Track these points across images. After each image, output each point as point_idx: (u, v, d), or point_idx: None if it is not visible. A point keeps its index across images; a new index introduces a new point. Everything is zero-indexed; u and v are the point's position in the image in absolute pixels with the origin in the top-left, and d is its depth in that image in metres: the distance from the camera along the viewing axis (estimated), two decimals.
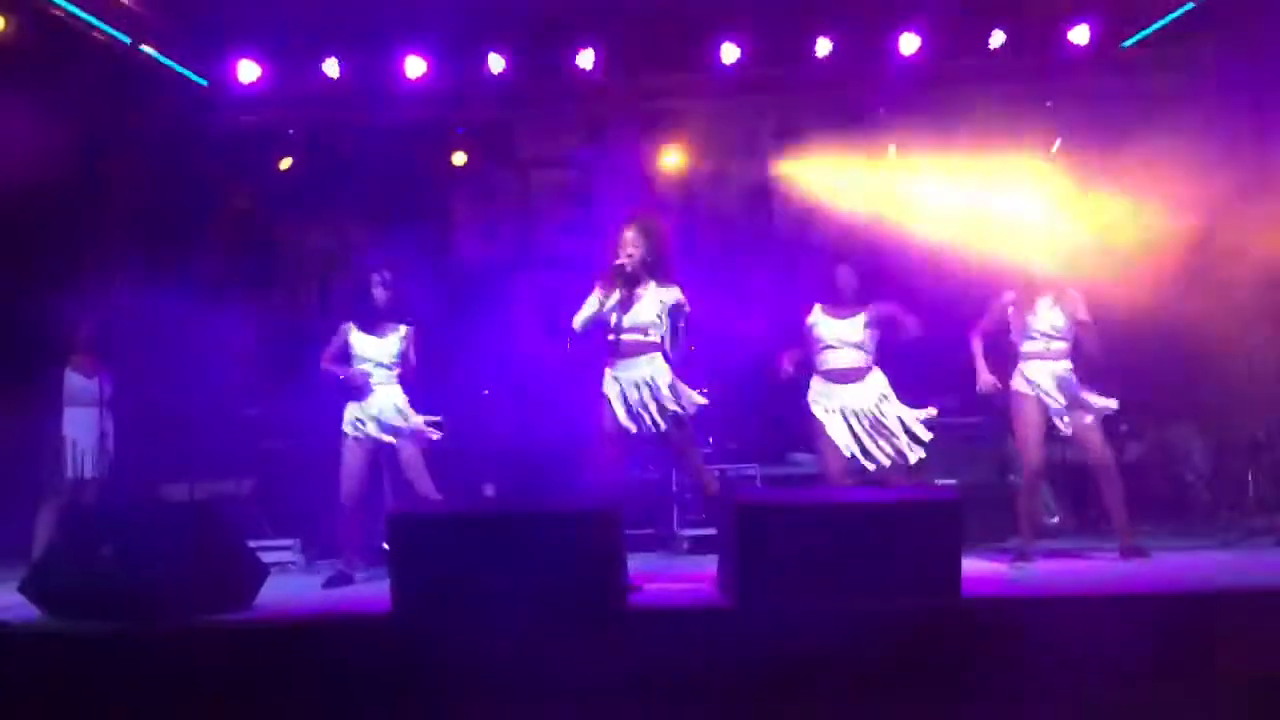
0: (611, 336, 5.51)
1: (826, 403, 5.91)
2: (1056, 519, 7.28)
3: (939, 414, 7.01)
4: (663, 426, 5.45)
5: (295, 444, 8.45)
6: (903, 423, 5.82)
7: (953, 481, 6.89)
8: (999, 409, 7.33)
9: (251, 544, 5.99)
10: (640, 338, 5.51)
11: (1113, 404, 5.93)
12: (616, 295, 5.47)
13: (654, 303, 5.52)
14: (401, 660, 4.30)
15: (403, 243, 9.20)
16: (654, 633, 4.39)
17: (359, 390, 6.22)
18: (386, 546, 4.93)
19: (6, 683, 4.13)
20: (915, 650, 4.14)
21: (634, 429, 5.45)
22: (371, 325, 6.33)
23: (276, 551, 6.89)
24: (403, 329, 6.37)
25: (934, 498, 4.78)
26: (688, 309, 5.58)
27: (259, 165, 9.05)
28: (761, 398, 7.71)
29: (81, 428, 6.87)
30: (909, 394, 6.92)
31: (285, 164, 8.98)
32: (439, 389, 6.81)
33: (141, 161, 8.75)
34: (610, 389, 5.50)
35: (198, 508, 5.53)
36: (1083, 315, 5.98)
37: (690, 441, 5.64)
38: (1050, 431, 6.01)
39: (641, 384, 5.45)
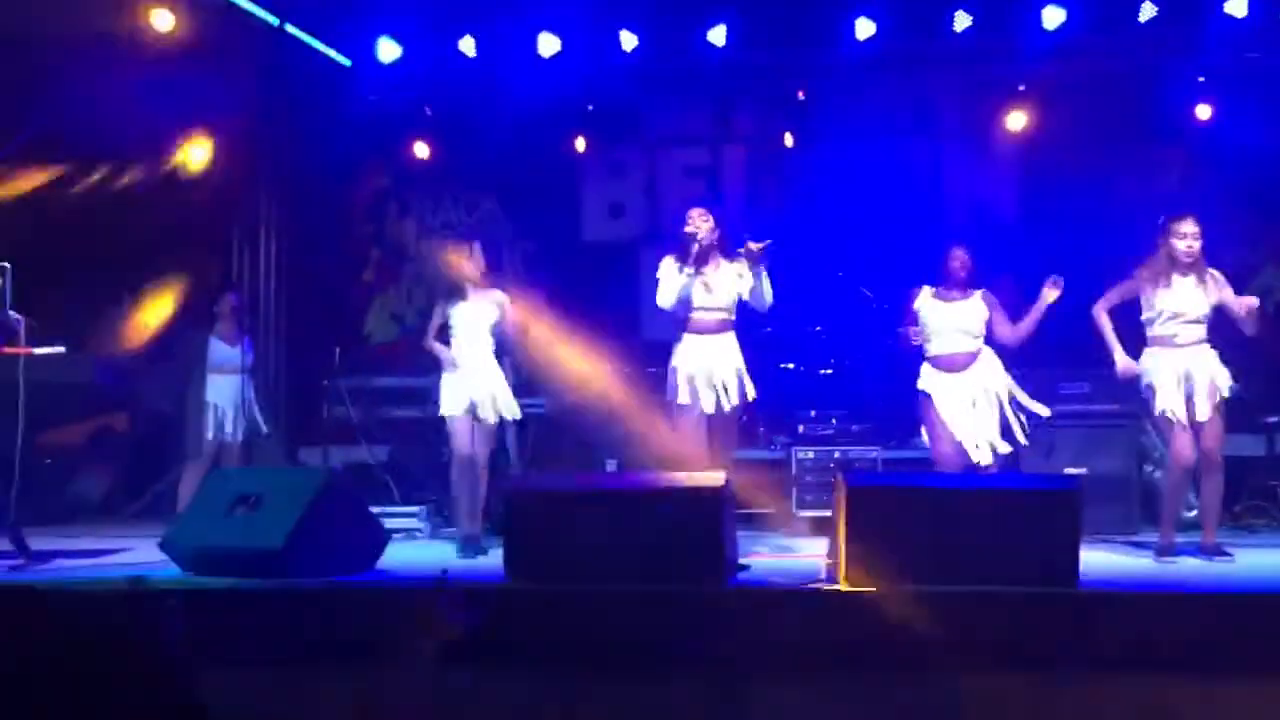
0: (689, 313, 5.60)
1: (937, 388, 5.80)
2: (1194, 512, 6.98)
3: (1069, 401, 6.86)
4: (727, 407, 5.50)
5: (425, 414, 8.70)
6: (1006, 411, 5.68)
7: (1082, 470, 6.68)
8: (1138, 396, 7.10)
9: (380, 511, 6.20)
10: (719, 315, 5.60)
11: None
12: (691, 269, 5.55)
13: (730, 278, 5.58)
14: (511, 629, 4.39)
15: (532, 221, 9.43)
16: (759, 611, 4.38)
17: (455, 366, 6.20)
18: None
19: (143, 633, 4.35)
20: (1025, 635, 4.06)
21: (704, 405, 5.51)
22: (465, 292, 6.29)
23: (403, 519, 7.08)
24: (497, 295, 6.33)
25: (1051, 486, 4.66)
26: (763, 266, 5.59)
27: (396, 144, 9.28)
28: (884, 379, 7.60)
29: (225, 393, 7.18)
30: (1038, 380, 6.77)
31: (421, 150, 9.19)
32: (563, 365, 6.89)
33: (286, 140, 9.06)
34: (682, 362, 5.57)
35: (326, 473, 5.72)
36: (1228, 298, 5.61)
37: (732, 425, 5.66)
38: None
39: (713, 362, 5.51)
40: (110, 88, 7.30)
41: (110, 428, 8.58)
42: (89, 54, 7.33)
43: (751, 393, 5.71)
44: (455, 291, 6.32)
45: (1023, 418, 5.72)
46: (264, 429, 7.45)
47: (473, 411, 6.17)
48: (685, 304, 5.69)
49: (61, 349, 5.85)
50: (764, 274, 5.62)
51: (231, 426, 7.16)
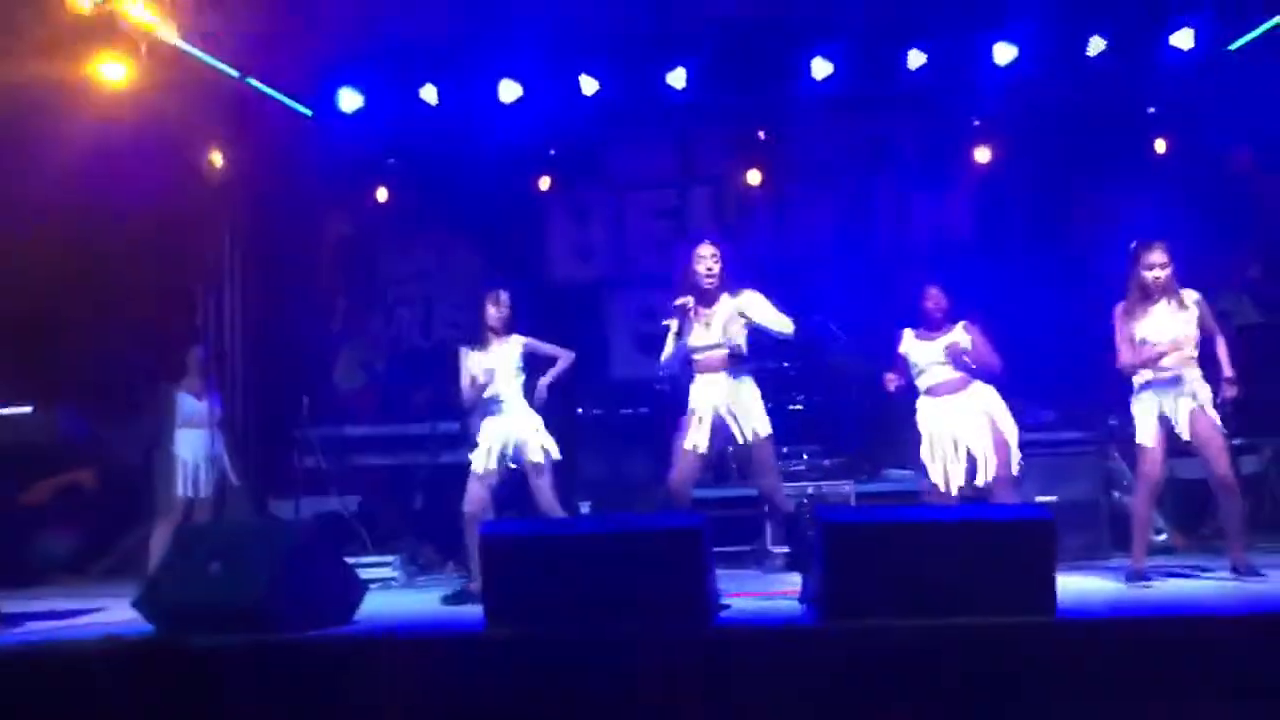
0: (693, 355, 5.62)
1: (930, 420, 5.88)
2: (1163, 536, 7.08)
3: (1037, 430, 6.96)
4: (742, 440, 5.53)
5: (397, 463, 8.67)
6: (996, 441, 5.75)
7: (1051, 498, 6.76)
8: (1100, 423, 7.20)
9: (353, 561, 6.16)
10: (722, 353, 5.60)
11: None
12: (690, 324, 5.61)
13: (733, 315, 5.61)
14: (494, 677, 4.37)
15: (498, 264, 9.46)
16: (741, 650, 4.39)
17: (490, 409, 6.13)
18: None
19: (117, 692, 4.30)
20: (1006, 668, 4.08)
21: (711, 445, 5.54)
22: (487, 344, 6.22)
23: (377, 568, 7.03)
24: (516, 338, 6.26)
25: (1025, 516, 4.70)
26: (761, 299, 5.66)
27: (360, 192, 9.30)
28: (857, 415, 7.68)
29: (194, 448, 7.11)
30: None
31: (382, 195, 9.22)
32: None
33: (248, 191, 9.05)
34: (696, 403, 5.58)
35: (301, 525, 5.68)
36: (1206, 318, 5.69)
37: (769, 459, 5.66)
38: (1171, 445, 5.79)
39: (724, 399, 5.52)
40: (65, 140, 7.25)
41: (76, 485, 8.48)
42: (43, 105, 7.24)
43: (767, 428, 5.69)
44: (477, 341, 6.23)
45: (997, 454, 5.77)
46: (235, 481, 7.39)
47: (502, 460, 6.09)
48: (686, 353, 5.71)
49: (28, 408, 5.79)
50: (762, 307, 5.67)
51: (202, 481, 7.10)
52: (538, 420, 6.19)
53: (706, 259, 5.66)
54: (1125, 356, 5.68)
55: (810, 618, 4.71)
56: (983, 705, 4.00)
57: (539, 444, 6.10)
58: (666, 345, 5.74)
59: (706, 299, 5.65)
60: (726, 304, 5.69)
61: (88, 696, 4.17)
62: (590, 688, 4.22)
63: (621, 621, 4.47)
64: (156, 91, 7.49)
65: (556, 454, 6.14)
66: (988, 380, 5.94)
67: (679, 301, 5.63)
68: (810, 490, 7.19)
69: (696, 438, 5.62)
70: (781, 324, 5.69)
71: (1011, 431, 5.85)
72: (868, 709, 4.07)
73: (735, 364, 5.67)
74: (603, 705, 4.16)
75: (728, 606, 5.10)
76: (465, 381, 6.16)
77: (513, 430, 6.13)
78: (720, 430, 5.60)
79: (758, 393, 5.69)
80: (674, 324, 5.66)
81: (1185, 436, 5.59)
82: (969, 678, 4.08)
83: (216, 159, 8.38)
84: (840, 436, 7.66)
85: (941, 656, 4.15)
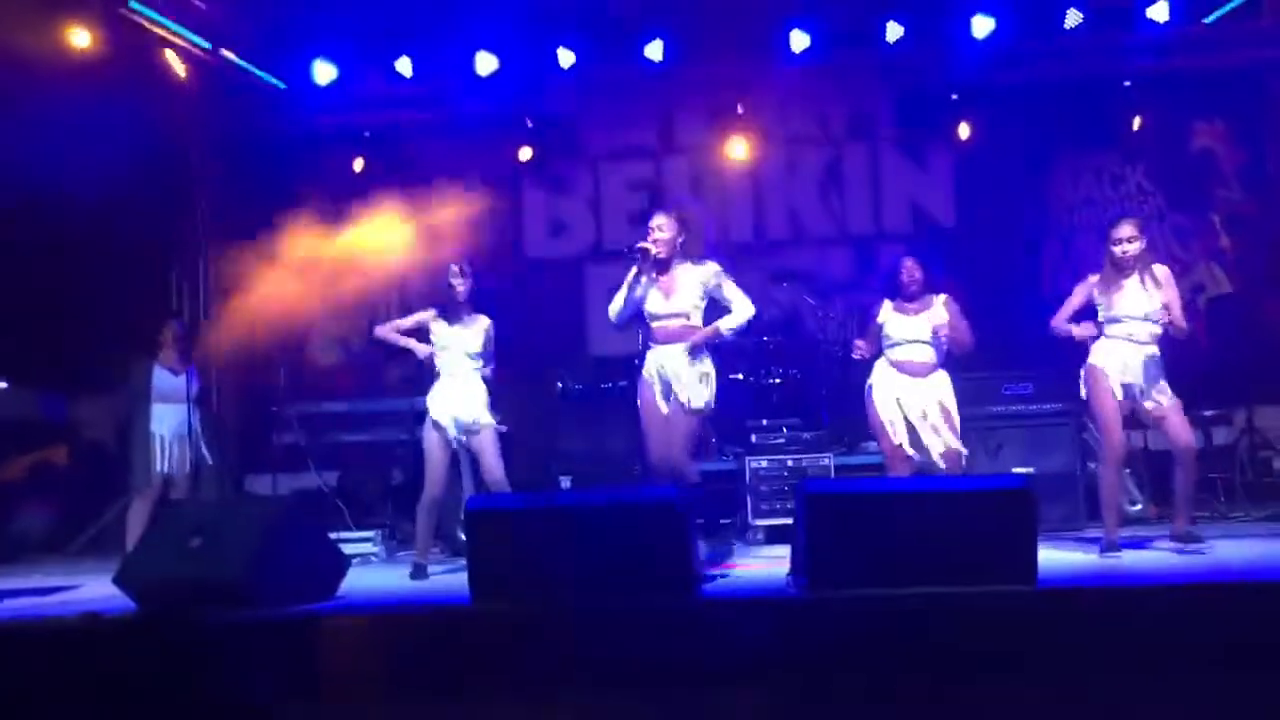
0: (652, 322, 5.61)
1: (884, 387, 5.89)
2: (1138, 506, 7.16)
3: (1014, 402, 7.01)
4: (689, 406, 5.50)
5: (375, 439, 8.65)
6: (951, 423, 5.79)
7: (1029, 470, 6.82)
8: (1077, 395, 7.26)
9: (334, 536, 6.14)
10: (680, 323, 5.58)
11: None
12: (644, 280, 5.54)
13: (692, 284, 5.57)
14: (480, 649, 4.38)
15: (474, 237, 9.40)
16: (725, 622, 4.41)
17: (437, 378, 6.17)
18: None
19: (101, 671, 4.28)
20: (988, 638, 4.13)
21: (668, 412, 5.52)
22: (453, 316, 6.24)
23: (358, 544, 7.02)
24: (484, 321, 6.26)
25: (1006, 486, 4.74)
26: (729, 278, 5.62)
27: (335, 165, 9.22)
28: (834, 387, 7.71)
29: (170, 423, 7.05)
30: (984, 382, 6.91)
31: (358, 165, 9.13)
32: (511, 382, 6.88)
33: (222, 164, 8.96)
34: (650, 372, 5.58)
35: (282, 501, 5.66)
36: (1171, 296, 5.73)
37: (688, 433, 5.60)
38: (1133, 416, 5.88)
39: (671, 365, 5.52)
40: (33, 112, 7.14)
41: (49, 462, 8.41)
42: (7, 74, 7.10)
43: (709, 400, 5.61)
44: (447, 311, 6.23)
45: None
46: (209, 459, 7.33)
47: (449, 433, 6.10)
48: (643, 315, 5.68)
49: (3, 384, 5.73)
50: (727, 285, 5.64)
51: (178, 457, 7.05)
52: (484, 394, 6.18)
53: (654, 229, 5.61)
54: (1058, 319, 5.83)
55: (794, 589, 4.74)
56: (965, 674, 4.04)
57: (486, 418, 6.11)
58: (619, 294, 5.66)
59: (662, 267, 5.61)
60: (688, 273, 5.61)
61: (71, 673, 4.15)
62: (577, 660, 4.24)
63: (607, 594, 4.49)
64: (126, 62, 7.39)
65: (498, 427, 6.17)
66: (958, 355, 5.96)
67: (638, 245, 5.57)
68: (790, 463, 7.22)
69: (650, 404, 5.60)
70: (741, 304, 5.61)
71: (955, 423, 5.87)
72: (851, 679, 4.10)
73: (696, 350, 5.58)
74: (589, 677, 4.18)
75: (712, 578, 5.14)
76: (406, 324, 6.28)
77: (461, 405, 6.11)
78: (667, 389, 5.58)
79: (711, 374, 5.62)
80: (631, 272, 5.60)
81: (1147, 406, 5.71)
82: (951, 648, 4.13)
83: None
84: (819, 409, 7.67)
85: (924, 626, 4.19)
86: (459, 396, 6.13)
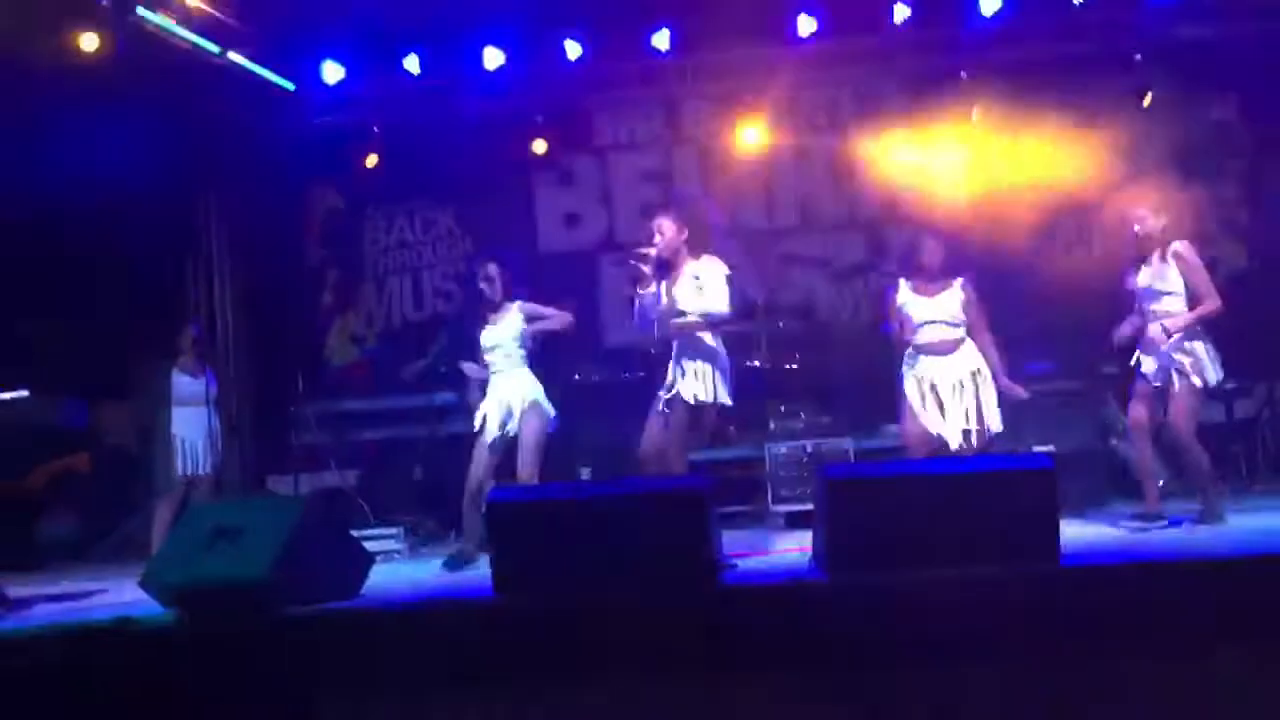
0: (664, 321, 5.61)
1: (915, 373, 5.88)
2: (1161, 482, 7.12)
3: (1036, 380, 6.99)
4: (687, 400, 5.50)
5: (395, 436, 8.68)
6: (982, 402, 5.77)
7: (1050, 448, 6.80)
8: (1097, 373, 7.24)
9: (356, 534, 6.17)
10: (688, 319, 5.57)
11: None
12: (651, 286, 5.54)
13: (689, 278, 5.56)
14: (505, 642, 4.39)
15: (487, 235, 9.42)
16: (748, 608, 4.42)
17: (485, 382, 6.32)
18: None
19: (134, 677, 4.31)
20: (1013, 617, 4.11)
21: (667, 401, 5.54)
22: (491, 317, 6.38)
23: (381, 541, 7.04)
24: (513, 305, 6.37)
25: (1027, 466, 4.72)
26: (718, 274, 5.59)
27: (346, 164, 9.24)
28: (853, 371, 7.70)
29: (191, 426, 7.11)
30: (1005, 359, 6.87)
31: (371, 161, 9.15)
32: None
33: (234, 166, 8.99)
34: (672, 371, 5.60)
35: (306, 500, 5.69)
36: (1184, 271, 5.70)
37: (681, 426, 5.60)
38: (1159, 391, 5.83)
39: (688, 363, 5.52)
40: (49, 117, 7.17)
41: (72, 468, 8.45)
42: (21, 79, 7.12)
43: (708, 397, 5.57)
44: (484, 315, 6.38)
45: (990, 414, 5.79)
46: (222, 460, 7.36)
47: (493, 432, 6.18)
48: (648, 313, 5.65)
49: (25, 392, 5.77)
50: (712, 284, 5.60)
51: (201, 459, 7.10)
52: (538, 389, 6.26)
53: (655, 231, 5.62)
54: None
55: (815, 573, 4.74)
56: (988, 653, 4.03)
57: (534, 413, 6.18)
58: (634, 311, 5.69)
59: (670, 267, 5.61)
60: (690, 269, 5.60)
61: (103, 678, 4.19)
62: (601, 651, 4.25)
63: (629, 584, 4.49)
64: (136, 67, 7.42)
65: (551, 418, 6.28)
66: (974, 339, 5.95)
67: (638, 252, 5.58)
68: (809, 448, 7.21)
69: (659, 403, 5.62)
70: (716, 302, 5.56)
71: (991, 395, 5.85)
72: (875, 661, 4.10)
73: (700, 330, 5.55)
74: (614, 668, 4.18)
75: (734, 565, 5.14)
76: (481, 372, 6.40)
77: (512, 398, 6.20)
78: (672, 383, 5.58)
79: (709, 370, 5.56)
80: (637, 288, 5.61)
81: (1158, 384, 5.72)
82: (974, 628, 4.12)
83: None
84: (837, 394, 7.66)
85: (947, 607, 4.18)
86: (506, 389, 6.26)
